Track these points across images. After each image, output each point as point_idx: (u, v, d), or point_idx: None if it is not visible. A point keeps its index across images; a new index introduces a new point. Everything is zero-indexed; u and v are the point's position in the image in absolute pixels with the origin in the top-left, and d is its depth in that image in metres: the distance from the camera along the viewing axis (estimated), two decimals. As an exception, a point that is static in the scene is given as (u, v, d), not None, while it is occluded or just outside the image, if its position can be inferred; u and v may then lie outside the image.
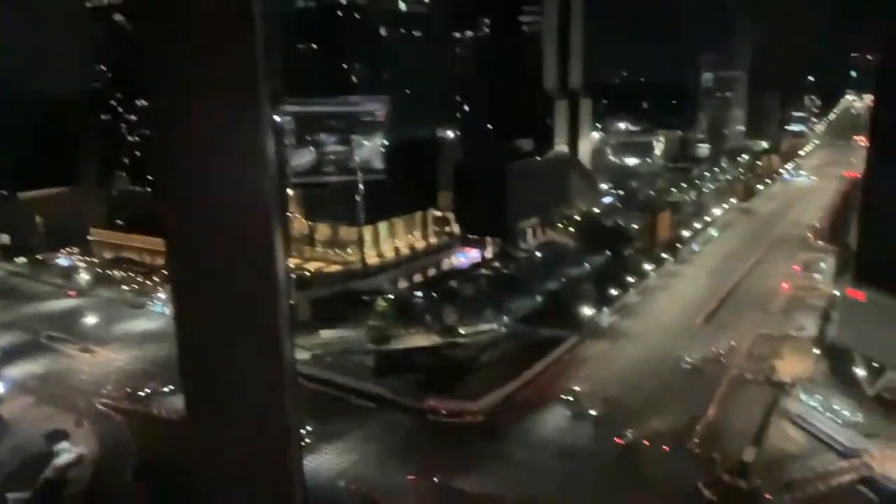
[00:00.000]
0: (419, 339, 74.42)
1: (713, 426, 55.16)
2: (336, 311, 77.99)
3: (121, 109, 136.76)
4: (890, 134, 69.26)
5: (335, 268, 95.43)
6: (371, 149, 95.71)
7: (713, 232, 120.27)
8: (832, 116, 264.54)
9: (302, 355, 70.62)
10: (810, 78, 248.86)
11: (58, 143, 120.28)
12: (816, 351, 67.02)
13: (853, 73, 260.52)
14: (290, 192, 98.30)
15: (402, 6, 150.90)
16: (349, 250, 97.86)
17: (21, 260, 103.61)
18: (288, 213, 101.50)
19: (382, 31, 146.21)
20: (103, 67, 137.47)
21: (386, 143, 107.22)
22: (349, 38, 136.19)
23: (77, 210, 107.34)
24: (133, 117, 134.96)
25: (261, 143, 7.45)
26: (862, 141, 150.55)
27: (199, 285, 7.76)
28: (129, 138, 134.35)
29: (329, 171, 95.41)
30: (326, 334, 74.58)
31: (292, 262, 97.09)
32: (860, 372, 59.88)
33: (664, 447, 52.36)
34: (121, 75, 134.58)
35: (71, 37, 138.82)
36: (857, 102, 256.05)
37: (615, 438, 53.91)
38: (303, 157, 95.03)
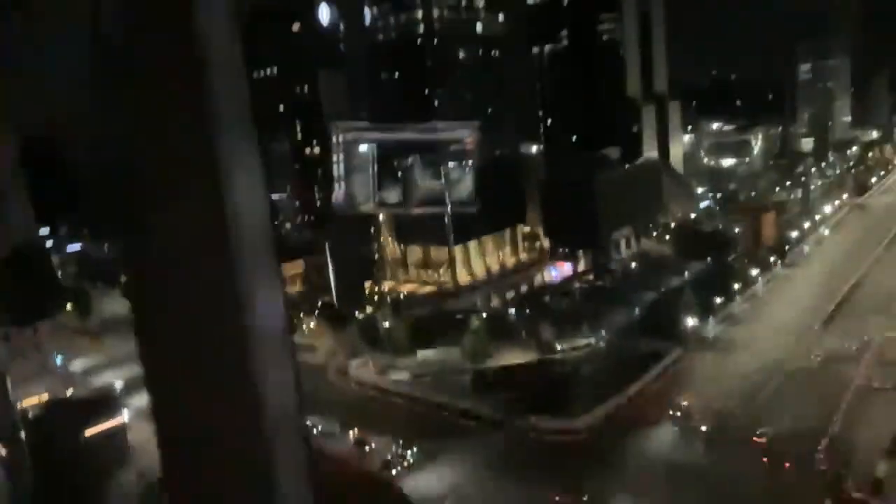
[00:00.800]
0: (516, 357, 73.87)
1: (839, 439, 51.08)
2: (432, 331, 78.89)
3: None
4: None
5: (428, 289, 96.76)
6: (462, 183, 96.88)
7: (824, 231, 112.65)
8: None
9: (401, 375, 72.07)
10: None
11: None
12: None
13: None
14: (380, 216, 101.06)
15: (479, 28, 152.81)
16: (441, 271, 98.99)
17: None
18: (381, 238, 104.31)
19: (461, 54, 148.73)
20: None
21: (475, 173, 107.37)
22: (429, 64, 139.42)
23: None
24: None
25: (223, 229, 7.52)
26: None
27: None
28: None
29: (420, 202, 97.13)
30: (424, 355, 75.57)
31: (386, 286, 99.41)
32: None
33: (785, 463, 49.06)
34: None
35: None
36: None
37: (730, 456, 51.10)
38: (391, 190, 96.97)
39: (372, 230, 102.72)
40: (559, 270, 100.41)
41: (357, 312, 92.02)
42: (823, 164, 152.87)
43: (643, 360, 68.54)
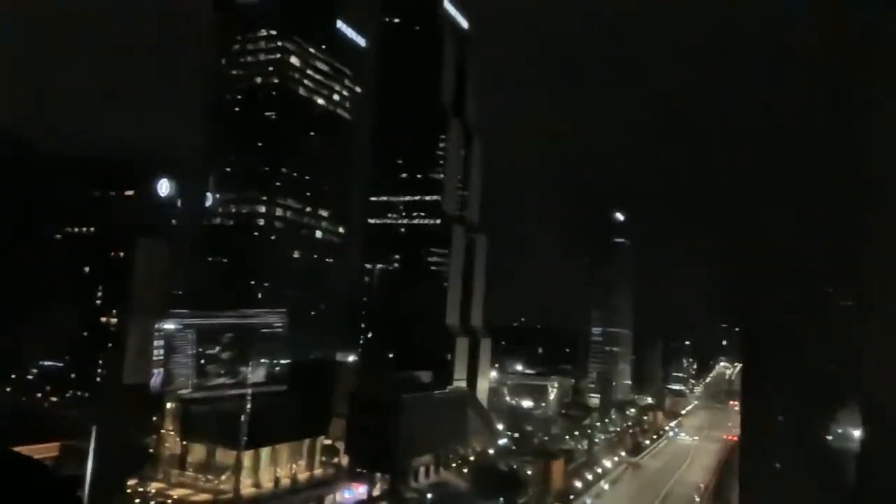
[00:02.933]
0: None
1: None
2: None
3: None
4: (759, 409, 75.48)
5: (203, 497, 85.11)
6: (266, 364, 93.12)
7: (604, 485, 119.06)
8: (708, 380, 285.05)
9: None
10: (687, 343, 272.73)
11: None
12: None
13: (724, 343, 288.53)
14: (168, 405, 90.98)
15: (318, 234, 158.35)
16: (223, 477, 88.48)
17: None
18: (163, 430, 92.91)
19: (295, 254, 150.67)
20: None
21: (282, 360, 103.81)
22: (261, 258, 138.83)
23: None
24: None
25: None
26: (735, 405, 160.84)
27: None
28: None
29: (220, 385, 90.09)
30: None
31: (154, 487, 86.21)
32: None
33: None
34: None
35: None
36: (729, 369, 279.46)
37: None
38: (207, 374, 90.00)
39: (153, 419, 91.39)
40: (353, 493, 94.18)
41: (109, 515, 77.61)
42: (607, 421, 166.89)
43: None
